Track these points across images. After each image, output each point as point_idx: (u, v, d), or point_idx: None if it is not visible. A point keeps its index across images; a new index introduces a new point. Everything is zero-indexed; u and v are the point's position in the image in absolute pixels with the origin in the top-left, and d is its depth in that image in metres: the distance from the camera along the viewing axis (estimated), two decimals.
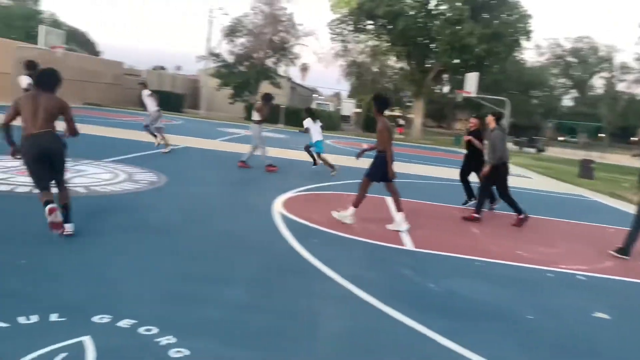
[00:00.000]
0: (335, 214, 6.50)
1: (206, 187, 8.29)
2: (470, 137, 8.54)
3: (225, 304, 3.69)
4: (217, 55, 34.84)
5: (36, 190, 4.75)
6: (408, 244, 5.86)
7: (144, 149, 11.62)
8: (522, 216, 7.50)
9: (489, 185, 7.67)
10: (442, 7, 30.22)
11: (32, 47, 24.85)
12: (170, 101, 33.86)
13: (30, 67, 8.04)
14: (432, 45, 31.06)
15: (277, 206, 7.04)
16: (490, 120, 7.74)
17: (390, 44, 33.04)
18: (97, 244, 4.67)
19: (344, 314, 3.82)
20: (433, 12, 30.60)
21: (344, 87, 57.91)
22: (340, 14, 32.48)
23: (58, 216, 4.55)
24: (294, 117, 31.41)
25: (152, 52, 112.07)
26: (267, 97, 10.94)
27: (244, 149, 14.61)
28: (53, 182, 4.82)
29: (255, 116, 10.76)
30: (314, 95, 58.43)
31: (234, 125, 27.21)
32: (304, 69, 62.24)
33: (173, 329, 3.14)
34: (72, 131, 5.06)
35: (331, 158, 11.61)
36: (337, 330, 3.54)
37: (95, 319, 3.15)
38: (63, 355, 2.70)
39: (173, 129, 19.47)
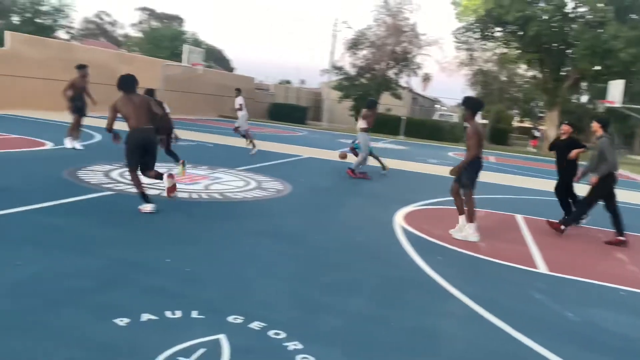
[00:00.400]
0: (457, 235, 6.24)
1: (329, 196, 8.50)
2: (576, 151, 7.37)
3: (350, 313, 3.73)
4: (339, 68, 35.70)
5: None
6: (541, 267, 5.45)
7: (271, 159, 12.27)
8: (621, 238, 6.73)
9: (595, 199, 6.94)
10: (581, 10, 27.85)
11: (177, 65, 27.58)
12: (294, 114, 35.43)
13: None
14: (569, 51, 28.72)
15: (399, 219, 6.98)
16: (596, 127, 7.06)
17: (520, 51, 31.22)
18: (231, 248, 5.02)
19: (468, 334, 3.66)
20: (570, 15, 28.32)
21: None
22: (467, 22, 31.46)
23: (171, 181, 6.01)
24: (414, 128, 31.02)
25: (280, 66, 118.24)
26: (373, 104, 10.95)
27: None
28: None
29: (362, 124, 10.86)
30: (436, 105, 57.17)
31: (354, 136, 27.62)
32: (426, 79, 61.19)
33: (300, 335, 3.25)
34: (158, 119, 6.37)
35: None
36: (461, 351, 3.40)
37: (230, 318, 3.37)
38: (202, 350, 2.92)
39: (296, 140, 20.31)
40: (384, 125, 31.88)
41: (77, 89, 10.63)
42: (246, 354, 2.96)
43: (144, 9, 70.10)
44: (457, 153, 21.64)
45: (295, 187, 8.75)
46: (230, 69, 62.29)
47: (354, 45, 35.48)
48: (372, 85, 34.60)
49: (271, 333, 3.24)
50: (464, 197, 6.25)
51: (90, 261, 4.17)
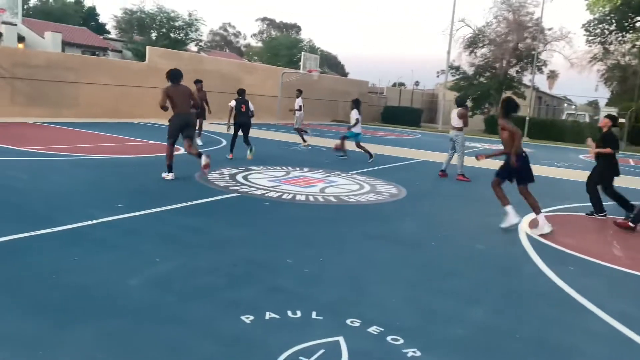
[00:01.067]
0: (535, 232, 6.24)
1: (446, 201, 8.24)
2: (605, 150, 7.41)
3: (471, 323, 3.58)
4: (456, 68, 34.54)
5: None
6: None
7: (385, 163, 12.20)
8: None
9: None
10: None
11: (294, 72, 28.64)
12: (408, 116, 34.93)
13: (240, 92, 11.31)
14: None
15: (524, 226, 6.55)
16: (605, 122, 7.47)
17: None
18: (348, 251, 5.08)
19: (608, 354, 3.31)
20: None
21: (603, 94, 50.77)
22: (601, 13, 28.70)
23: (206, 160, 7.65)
24: (540, 129, 28.93)
25: (393, 69, 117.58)
26: (464, 102, 11.15)
27: (485, 163, 14.08)
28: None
29: (458, 123, 10.50)
30: (565, 104, 52.86)
31: (471, 138, 26.50)
32: (552, 76, 56.82)
33: (418, 342, 3.18)
34: (196, 106, 8.28)
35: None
36: None
37: (348, 321, 3.40)
38: (322, 351, 2.98)
39: (410, 143, 20.01)
40: None
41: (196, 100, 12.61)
42: (364, 358, 2.96)
43: (264, 19, 73.96)
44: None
45: (410, 191, 8.62)
46: (344, 74, 63.22)
47: (472, 43, 34.14)
48: (491, 85, 33.01)
49: (389, 338, 3.21)
50: (522, 193, 6.40)
51: (220, 259, 4.47)
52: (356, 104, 12.53)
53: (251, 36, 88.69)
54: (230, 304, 3.54)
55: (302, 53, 28.71)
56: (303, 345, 3.02)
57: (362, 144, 12.49)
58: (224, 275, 4.09)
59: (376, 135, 22.78)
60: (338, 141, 12.65)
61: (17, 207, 5.67)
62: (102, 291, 3.60)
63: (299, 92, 15.38)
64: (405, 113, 35.84)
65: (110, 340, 2.93)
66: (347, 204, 7.29)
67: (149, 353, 2.83)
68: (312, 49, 43.82)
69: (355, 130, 12.33)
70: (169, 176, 7.85)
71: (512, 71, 34.01)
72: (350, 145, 12.61)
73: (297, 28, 69.76)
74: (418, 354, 3.05)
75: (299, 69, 27.79)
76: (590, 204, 7.63)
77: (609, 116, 7.56)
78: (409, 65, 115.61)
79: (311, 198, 7.40)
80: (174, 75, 7.87)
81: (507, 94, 32.99)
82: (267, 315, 3.39)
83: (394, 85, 51.63)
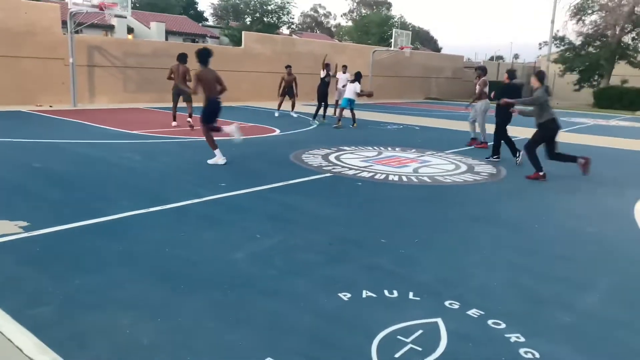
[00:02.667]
0: None
1: (550, 181, 7.74)
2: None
3: (581, 310, 3.37)
4: (561, 39, 31.99)
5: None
6: None
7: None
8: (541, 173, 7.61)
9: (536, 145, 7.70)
10: None
11: (385, 50, 28.16)
12: (507, 91, 32.98)
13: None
14: None
15: None
16: (533, 81, 7.95)
17: None
18: (444, 232, 4.97)
19: None
20: None
21: None
22: None
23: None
24: None
25: (491, 43, 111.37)
26: (484, 70, 11.21)
27: (592, 140, 13.07)
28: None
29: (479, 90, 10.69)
30: None
31: (579, 114, 24.56)
32: None
33: (521, 327, 3.06)
34: (223, 90, 7.72)
35: None
36: None
37: (446, 303, 3.35)
38: (420, 332, 2.96)
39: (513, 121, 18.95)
40: (618, 99, 27.60)
41: (287, 82, 15.19)
42: (464, 341, 2.90)
43: None
44: None
45: (510, 170, 8.21)
46: (437, 49, 61.08)
47: (579, 10, 31.35)
48: (602, 54, 30.22)
49: (490, 322, 3.12)
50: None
51: (317, 237, 4.58)
52: (357, 77, 13.57)
53: (341, 16, 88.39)
54: (328, 280, 3.63)
55: (393, 30, 28.10)
56: (401, 325, 3.03)
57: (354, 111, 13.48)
58: (321, 253, 4.19)
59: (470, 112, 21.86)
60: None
61: (132, 186, 6.19)
62: (209, 264, 3.85)
63: (345, 68, 16.24)
64: (503, 88, 33.89)
65: (218, 310, 3.14)
66: (443, 184, 7.11)
67: (253, 323, 2.98)
68: (404, 25, 42.77)
69: (349, 96, 13.29)
70: (220, 160, 7.56)
71: (627, 38, 30.80)
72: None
73: (387, 5, 68.29)
74: (522, 339, 2.94)
75: (390, 47, 27.28)
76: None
77: (508, 71, 9.60)
78: (508, 38, 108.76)
79: (404, 178, 7.30)
80: (204, 56, 7.41)
81: (620, 64, 30.09)
82: (364, 293, 3.43)
83: (491, 59, 49.01)
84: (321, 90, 14.67)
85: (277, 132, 12.01)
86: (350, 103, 13.24)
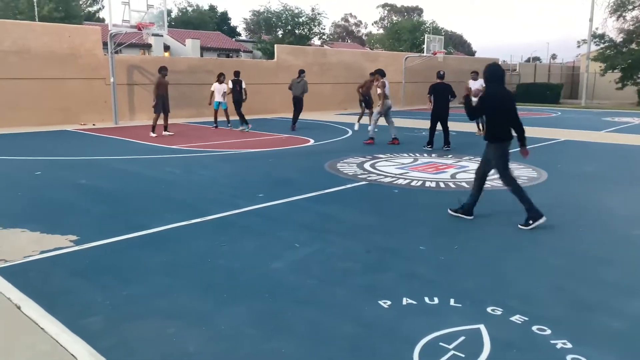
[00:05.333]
0: None
1: (593, 184, 7.51)
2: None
3: (630, 316, 3.26)
4: (601, 36, 31.02)
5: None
6: None
7: None
8: None
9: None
10: None
11: (417, 56, 28.01)
12: (545, 93, 32.25)
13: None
14: None
15: None
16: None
17: None
18: (485, 238, 4.90)
19: None
20: None
21: None
22: None
23: None
24: None
25: (526, 43, 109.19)
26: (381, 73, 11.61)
27: (638, 140, 12.62)
28: None
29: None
30: None
31: (623, 113, 23.71)
32: None
33: (568, 333, 2.99)
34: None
35: None
36: None
37: (489, 309, 3.30)
38: (462, 338, 2.93)
39: (549, 122, 18.50)
40: None
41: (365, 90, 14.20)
42: (508, 347, 2.86)
43: (384, 6, 73.25)
44: None
45: (551, 174, 8.01)
46: (471, 53, 60.27)
47: (619, 7, 30.36)
48: None
49: (535, 328, 3.06)
50: None
51: (354, 245, 4.60)
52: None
53: (372, 24, 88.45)
54: (367, 288, 3.63)
55: (425, 35, 27.95)
56: (443, 332, 3.00)
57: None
58: (359, 261, 4.20)
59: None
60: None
61: (173, 199, 6.37)
62: (249, 273, 3.92)
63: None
64: (541, 90, 33.08)
65: (259, 318, 3.19)
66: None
67: (294, 332, 3.02)
68: (436, 30, 42.39)
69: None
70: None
71: None
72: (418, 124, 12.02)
73: (418, 10, 68.00)
74: (568, 345, 2.86)
75: (423, 52, 27.12)
76: None
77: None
78: (544, 38, 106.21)
79: (442, 184, 7.23)
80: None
81: None
82: (404, 300, 3.42)
83: (528, 60, 47.99)
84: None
85: (312, 142, 12.11)
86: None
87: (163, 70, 13.11)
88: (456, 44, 61.77)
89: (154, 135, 12.68)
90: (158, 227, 5.06)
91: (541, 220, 5.07)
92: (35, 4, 25.19)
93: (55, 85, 15.91)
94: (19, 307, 3.29)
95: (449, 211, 5.59)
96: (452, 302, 3.41)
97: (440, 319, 3.18)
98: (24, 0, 26.77)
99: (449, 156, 9.77)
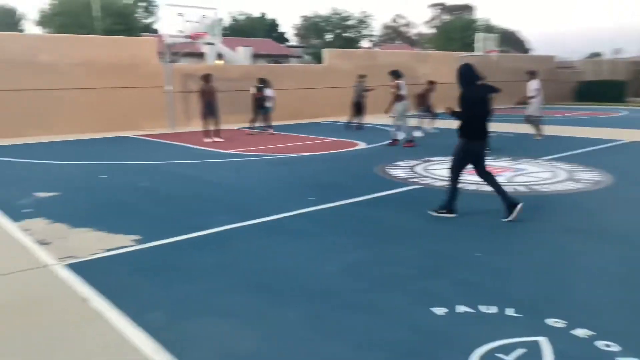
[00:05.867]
0: None
1: None
2: None
3: None
4: None
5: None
6: None
7: (583, 146, 10.97)
8: None
9: None
10: None
11: (469, 55, 27.36)
12: (609, 91, 30.67)
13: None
14: None
15: None
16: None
17: None
18: (545, 245, 4.71)
19: None
20: None
21: None
22: None
23: None
24: None
25: (587, 38, 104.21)
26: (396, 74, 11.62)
27: None
28: None
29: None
30: None
31: None
32: None
33: (638, 351, 2.82)
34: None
35: None
36: None
37: (550, 321, 3.16)
38: (521, 350, 2.83)
39: (614, 122, 17.61)
40: None
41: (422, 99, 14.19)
42: None
43: (435, 5, 72.07)
44: None
45: (617, 177, 7.60)
46: (527, 51, 58.31)
47: None
48: None
49: (600, 344, 2.90)
50: None
51: (407, 250, 4.54)
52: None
53: (423, 24, 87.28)
54: (421, 295, 3.58)
55: (476, 34, 27.28)
56: (500, 342, 2.91)
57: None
58: (413, 267, 4.14)
59: (569, 115, 20.57)
60: None
61: (227, 201, 6.52)
62: (302, 276, 3.96)
63: (532, 75, 12.83)
64: (605, 87, 31.44)
65: (312, 321, 3.21)
66: (540, 193, 6.74)
67: (347, 335, 3.02)
68: (489, 28, 41.31)
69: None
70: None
71: None
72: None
73: (469, 9, 66.43)
74: None
75: (475, 52, 26.48)
76: None
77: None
78: (607, 34, 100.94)
79: None
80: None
81: None
82: (460, 308, 3.35)
83: (590, 56, 45.82)
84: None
85: (361, 145, 12.07)
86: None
87: (206, 77, 13.42)
88: (511, 42, 59.93)
89: (207, 140, 13.02)
90: (213, 228, 5.20)
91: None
92: (97, 19, 26.57)
93: (116, 94, 16.68)
94: (87, 301, 3.48)
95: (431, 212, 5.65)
96: (510, 311, 3.30)
97: (497, 328, 3.08)
98: (87, 16, 28.26)
99: (506, 159, 9.48)
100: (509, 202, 5.36)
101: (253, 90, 15.55)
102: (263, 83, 15.50)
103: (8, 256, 4.48)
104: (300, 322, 3.21)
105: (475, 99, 5.37)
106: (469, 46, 36.58)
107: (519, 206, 5.29)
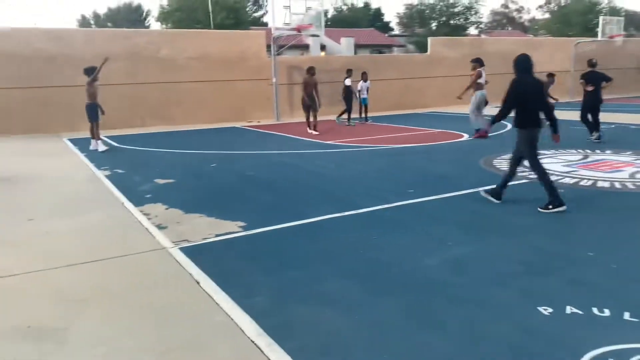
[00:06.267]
0: None
1: None
2: None
3: None
4: None
5: None
6: None
7: None
8: None
9: None
10: None
11: (591, 41, 25.17)
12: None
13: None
14: None
15: None
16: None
17: None
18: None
19: None
20: None
21: None
22: None
23: None
24: None
25: None
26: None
27: None
28: None
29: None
30: None
31: None
32: None
33: None
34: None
35: None
36: None
37: None
38: (638, 357, 2.63)
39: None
40: None
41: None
42: None
43: None
44: None
45: None
46: None
47: None
48: None
49: None
50: None
51: (513, 246, 4.37)
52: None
53: (536, 8, 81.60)
54: (527, 293, 3.43)
55: (600, 18, 24.94)
56: (614, 347, 2.72)
57: None
58: (519, 263, 3.98)
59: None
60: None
61: (328, 192, 6.68)
62: (401, 267, 3.97)
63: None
64: None
65: (411, 311, 3.23)
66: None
67: (447, 328, 3.00)
68: (613, 11, 37.56)
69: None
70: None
71: None
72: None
73: None
74: None
75: (597, 37, 24.27)
76: None
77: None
78: None
79: (617, 185, 6.47)
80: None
81: None
82: (568, 309, 3.17)
83: None
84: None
85: (466, 137, 11.67)
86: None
87: (310, 70, 13.68)
88: (639, 25, 53.99)
89: (309, 131, 13.33)
90: (315, 217, 5.38)
91: (561, 208, 5.30)
92: (210, 14, 28.22)
93: (227, 86, 17.68)
94: (198, 283, 3.78)
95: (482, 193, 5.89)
96: (627, 315, 3.07)
97: (611, 332, 2.88)
98: (201, 11, 30.14)
99: (628, 153, 8.66)
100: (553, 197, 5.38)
101: (348, 82, 15.67)
102: (348, 73, 15.80)
103: (132, 238, 4.97)
104: (399, 312, 3.23)
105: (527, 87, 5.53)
106: (590, 31, 33.63)
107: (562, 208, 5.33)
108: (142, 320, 3.26)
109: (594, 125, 10.33)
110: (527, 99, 5.46)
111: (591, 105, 10.43)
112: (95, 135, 11.18)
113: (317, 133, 13.18)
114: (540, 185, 5.54)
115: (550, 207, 5.34)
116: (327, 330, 3.04)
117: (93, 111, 11.06)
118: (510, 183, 5.87)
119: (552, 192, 5.39)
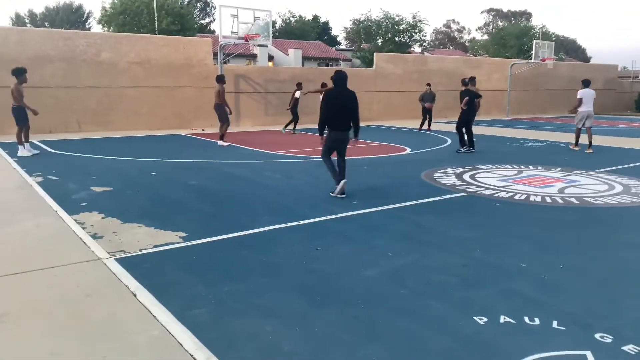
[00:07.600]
0: None
1: None
2: None
3: None
4: None
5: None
6: None
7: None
8: None
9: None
10: None
11: (525, 62, 26.63)
12: None
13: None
14: None
15: None
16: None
17: None
18: (597, 259, 4.54)
19: None
20: None
21: None
22: None
23: None
24: None
25: None
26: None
27: None
28: None
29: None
30: None
31: None
32: None
33: None
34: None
35: None
36: None
37: (597, 336, 3.06)
38: None
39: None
40: None
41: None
42: None
43: (489, 10, 70.55)
44: None
45: None
46: (586, 59, 56.07)
47: None
48: None
49: None
50: None
51: (450, 258, 4.49)
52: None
53: (476, 30, 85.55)
54: (463, 303, 3.53)
55: (534, 41, 26.48)
56: (543, 355, 2.84)
57: None
58: (455, 275, 4.09)
59: (626, 126, 19.65)
60: None
61: (272, 202, 6.64)
62: (343, 279, 3.98)
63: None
64: None
65: (352, 324, 3.23)
66: (593, 206, 6.49)
67: (386, 340, 3.02)
68: (546, 36, 39.95)
69: None
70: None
71: None
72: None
73: (527, 15, 64.57)
74: None
75: (531, 59, 25.73)
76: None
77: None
78: None
79: (548, 199, 6.82)
80: None
81: None
82: (502, 318, 3.29)
83: None
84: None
85: (408, 150, 11.98)
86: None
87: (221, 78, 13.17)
88: (569, 49, 57.80)
89: (221, 143, 12.72)
90: (257, 228, 5.32)
91: (340, 184, 6.84)
92: (155, 19, 27.56)
93: (171, 92, 17.29)
94: (135, 295, 3.63)
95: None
96: (555, 324, 3.22)
97: (541, 340, 3.01)
98: (145, 15, 29.38)
99: (558, 169, 9.18)
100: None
101: (298, 94, 15.88)
102: (298, 87, 16.22)
103: (64, 248, 4.72)
104: (340, 324, 3.23)
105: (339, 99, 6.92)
106: (524, 53, 35.60)
107: (342, 182, 6.85)
108: (68, 338, 3.07)
109: (468, 140, 11.49)
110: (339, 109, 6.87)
111: (466, 119, 11.46)
112: (23, 139, 10.57)
113: (225, 144, 12.77)
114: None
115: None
116: (268, 343, 3.00)
117: (21, 114, 10.46)
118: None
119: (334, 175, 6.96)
